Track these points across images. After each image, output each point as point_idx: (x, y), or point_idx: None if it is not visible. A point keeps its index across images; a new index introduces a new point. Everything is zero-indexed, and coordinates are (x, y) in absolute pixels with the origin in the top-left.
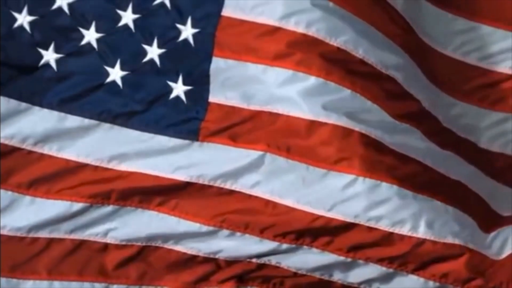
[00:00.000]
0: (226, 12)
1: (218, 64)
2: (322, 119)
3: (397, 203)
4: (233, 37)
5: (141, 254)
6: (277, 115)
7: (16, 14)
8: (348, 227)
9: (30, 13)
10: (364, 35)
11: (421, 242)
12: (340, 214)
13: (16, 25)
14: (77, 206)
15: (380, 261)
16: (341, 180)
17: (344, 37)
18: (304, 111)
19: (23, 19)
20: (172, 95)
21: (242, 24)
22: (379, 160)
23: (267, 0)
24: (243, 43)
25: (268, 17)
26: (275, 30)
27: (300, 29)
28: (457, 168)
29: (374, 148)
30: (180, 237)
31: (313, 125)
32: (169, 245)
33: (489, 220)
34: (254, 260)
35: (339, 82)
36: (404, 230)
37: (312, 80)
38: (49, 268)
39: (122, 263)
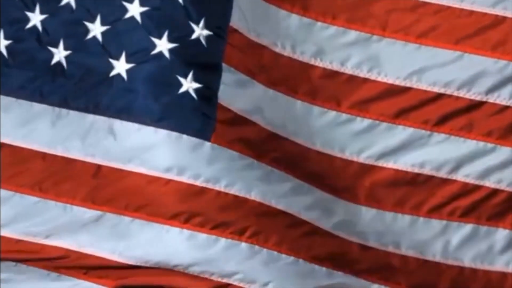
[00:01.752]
0: (233, 22)
1: (226, 71)
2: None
3: None
4: (239, 50)
5: None
6: None
7: (29, 14)
8: None
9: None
10: None
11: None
12: None
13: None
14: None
15: None
16: None
17: None
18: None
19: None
20: (182, 90)
21: (246, 39)
22: None
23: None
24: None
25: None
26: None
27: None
28: None
29: None
30: None
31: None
32: None
33: None
34: None
35: None
36: None
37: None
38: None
39: None
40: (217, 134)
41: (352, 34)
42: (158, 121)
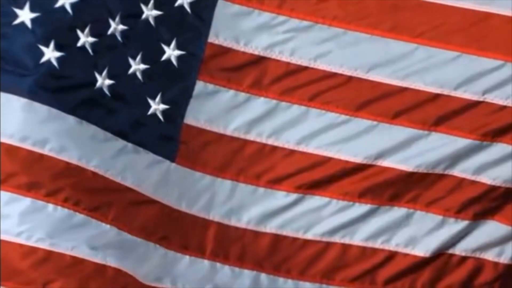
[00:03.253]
0: (212, 38)
1: (201, 87)
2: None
3: None
4: (218, 64)
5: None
6: (250, 142)
7: (18, 11)
8: None
9: (32, 9)
10: None
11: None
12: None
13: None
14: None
15: None
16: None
17: None
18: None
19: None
20: (150, 112)
21: (227, 52)
22: None
23: (253, 30)
24: (227, 70)
25: (254, 47)
26: (260, 59)
27: (284, 58)
28: None
29: None
30: None
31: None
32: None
33: None
34: None
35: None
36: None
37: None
38: (45, 282)
39: None
40: (180, 155)
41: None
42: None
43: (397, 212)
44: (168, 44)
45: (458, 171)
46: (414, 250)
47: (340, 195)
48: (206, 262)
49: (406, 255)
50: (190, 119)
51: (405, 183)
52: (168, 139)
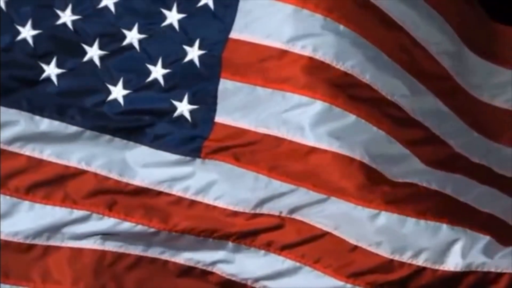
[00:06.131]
0: (234, 34)
1: (225, 85)
2: (324, 146)
3: (396, 230)
4: (240, 59)
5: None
6: (282, 140)
7: (19, 28)
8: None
9: (33, 26)
10: (372, 60)
11: (421, 269)
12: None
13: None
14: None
15: (379, 286)
16: (341, 206)
17: (352, 61)
18: (307, 137)
19: (27, 32)
20: (176, 113)
21: (250, 47)
22: (377, 189)
23: (276, 23)
24: (250, 65)
25: (275, 40)
26: (282, 53)
27: (307, 53)
28: (465, 189)
29: (373, 177)
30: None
31: (314, 152)
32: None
33: (505, 236)
34: None
35: (344, 107)
36: (404, 257)
37: (318, 105)
38: (43, 275)
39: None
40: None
41: None
42: (152, 142)
43: None
44: (191, 45)
45: None
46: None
47: None
48: None
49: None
50: (222, 117)
51: None
52: (195, 138)
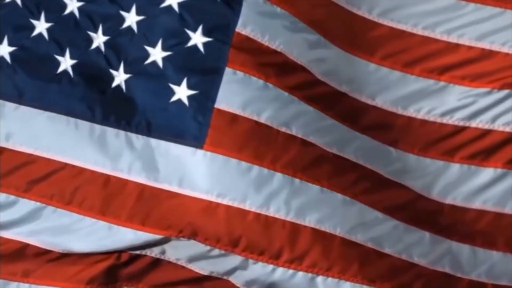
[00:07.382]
0: (240, 28)
1: (230, 74)
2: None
3: None
4: (246, 52)
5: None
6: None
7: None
8: None
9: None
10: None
11: None
12: None
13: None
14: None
15: None
16: None
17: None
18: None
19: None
20: (174, 98)
21: (254, 43)
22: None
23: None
24: (254, 60)
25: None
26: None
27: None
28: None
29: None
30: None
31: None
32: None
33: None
34: None
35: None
36: None
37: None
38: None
39: None
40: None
41: None
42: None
43: None
44: (194, 30)
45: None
46: None
47: None
48: None
49: None
50: (222, 104)
51: None
52: (195, 124)
